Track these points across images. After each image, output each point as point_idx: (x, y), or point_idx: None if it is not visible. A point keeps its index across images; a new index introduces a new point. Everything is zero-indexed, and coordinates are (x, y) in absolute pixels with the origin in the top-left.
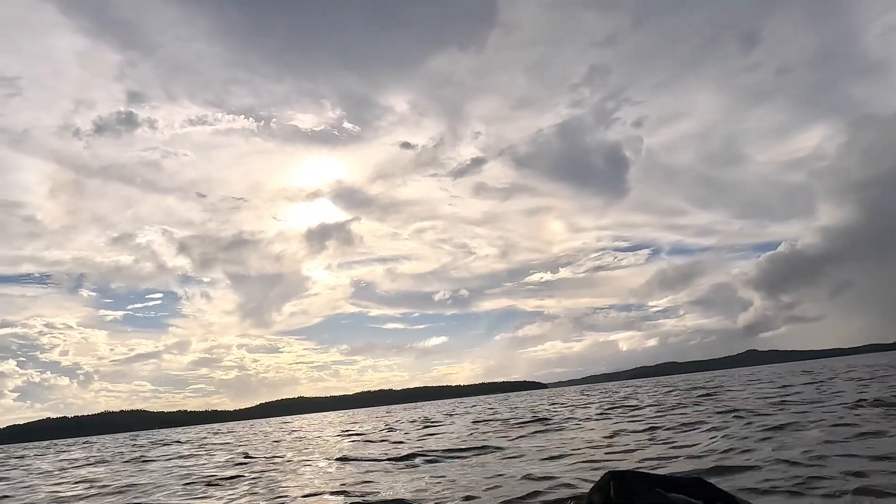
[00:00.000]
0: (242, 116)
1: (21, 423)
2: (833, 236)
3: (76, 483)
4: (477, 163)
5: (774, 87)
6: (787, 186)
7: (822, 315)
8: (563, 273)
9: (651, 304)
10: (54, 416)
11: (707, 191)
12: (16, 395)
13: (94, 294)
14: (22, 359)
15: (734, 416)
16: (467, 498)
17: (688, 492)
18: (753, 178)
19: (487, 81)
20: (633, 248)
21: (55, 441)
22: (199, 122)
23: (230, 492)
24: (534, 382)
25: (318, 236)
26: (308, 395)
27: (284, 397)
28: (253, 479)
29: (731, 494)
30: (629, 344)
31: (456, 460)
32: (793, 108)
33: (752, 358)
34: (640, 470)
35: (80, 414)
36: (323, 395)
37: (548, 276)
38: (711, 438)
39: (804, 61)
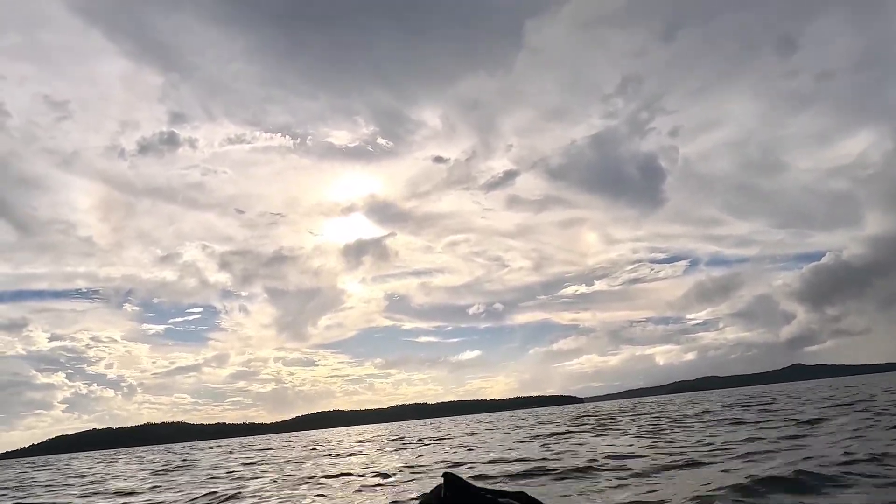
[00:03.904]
0: (279, 134)
1: (69, 433)
2: (881, 246)
3: None
4: (509, 175)
5: (815, 93)
6: (830, 195)
7: (870, 328)
8: (599, 285)
9: (689, 316)
10: (100, 428)
11: (746, 200)
12: (64, 406)
13: (137, 308)
14: (70, 371)
15: None
16: None
17: (513, 499)
18: (794, 187)
19: (518, 94)
20: (670, 260)
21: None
22: (237, 140)
23: None
24: (570, 397)
25: (354, 251)
26: (343, 409)
27: (320, 410)
28: None
29: None
30: (667, 358)
31: None
32: (835, 114)
33: (798, 372)
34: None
35: (124, 425)
36: (358, 408)
37: (583, 289)
38: None
39: (846, 66)
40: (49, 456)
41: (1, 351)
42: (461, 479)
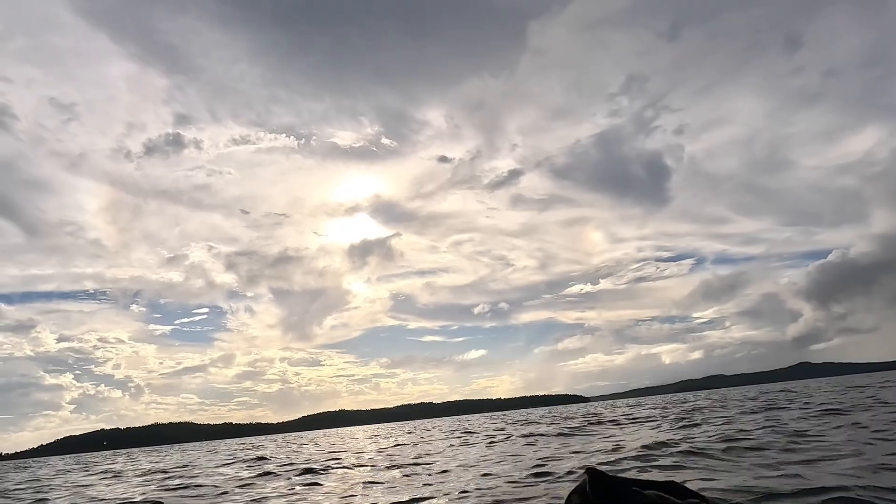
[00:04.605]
0: (283, 135)
1: (78, 433)
2: (888, 243)
3: None
4: (514, 175)
5: (821, 91)
6: (837, 192)
7: (878, 326)
8: (604, 284)
9: (695, 315)
10: (108, 428)
11: (752, 198)
12: (73, 406)
13: (144, 309)
14: (78, 372)
15: None
16: None
17: (662, 490)
18: (801, 185)
19: (522, 94)
20: (676, 258)
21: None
22: (242, 141)
23: None
24: (575, 396)
25: (359, 251)
26: (349, 408)
27: (326, 410)
28: None
29: (704, 496)
30: (673, 357)
31: None
32: (841, 111)
33: (805, 371)
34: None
35: (131, 426)
36: (364, 407)
37: (588, 288)
38: None
39: (852, 63)
40: (78, 454)
41: (9, 352)
42: (604, 472)
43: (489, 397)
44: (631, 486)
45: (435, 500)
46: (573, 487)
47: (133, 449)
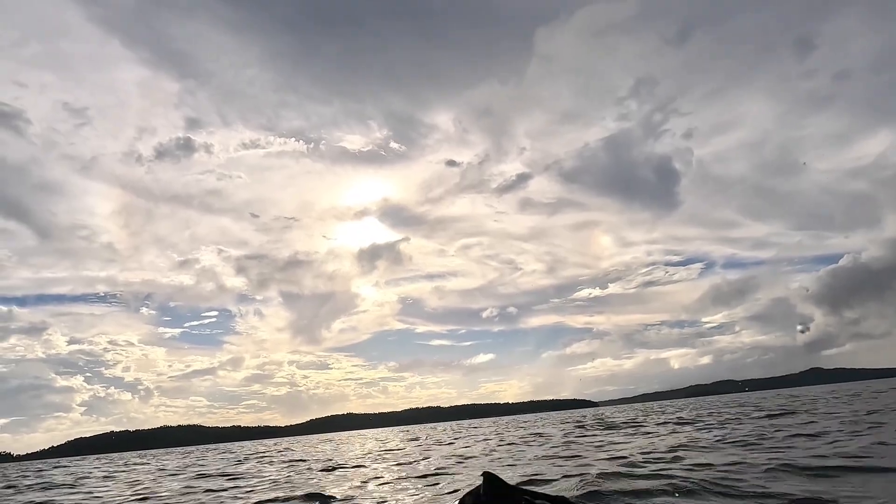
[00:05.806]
0: (293, 139)
1: (88, 435)
2: None
3: None
4: (522, 178)
5: (833, 93)
6: (849, 196)
7: (891, 331)
8: (613, 288)
9: (705, 320)
10: (118, 430)
11: (762, 202)
12: (83, 409)
13: (154, 312)
14: (88, 374)
15: None
16: None
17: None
18: (812, 188)
19: (531, 99)
20: (685, 263)
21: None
22: (252, 145)
23: None
24: (584, 401)
25: (368, 255)
26: (357, 412)
27: (334, 413)
28: None
29: None
30: (682, 361)
31: None
32: (853, 114)
33: (816, 376)
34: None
35: (141, 428)
36: (371, 411)
37: (596, 292)
38: None
39: (864, 65)
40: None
41: (22, 354)
42: (500, 478)
43: (497, 402)
44: (523, 495)
45: None
46: (469, 490)
47: (147, 451)
